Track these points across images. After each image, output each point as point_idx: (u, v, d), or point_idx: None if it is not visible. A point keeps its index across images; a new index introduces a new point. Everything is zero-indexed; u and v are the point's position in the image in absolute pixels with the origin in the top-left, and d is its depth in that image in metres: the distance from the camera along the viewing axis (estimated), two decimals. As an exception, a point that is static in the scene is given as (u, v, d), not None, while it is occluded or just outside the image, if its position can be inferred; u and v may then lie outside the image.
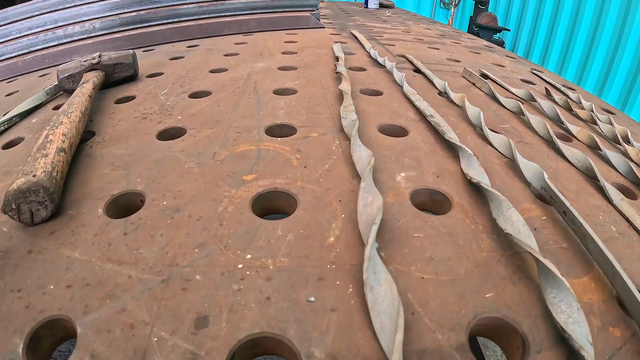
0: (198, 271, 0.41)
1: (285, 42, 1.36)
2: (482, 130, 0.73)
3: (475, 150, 0.67)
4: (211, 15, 1.57)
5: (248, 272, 0.40)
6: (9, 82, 1.27)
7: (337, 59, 1.09)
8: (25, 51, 1.49)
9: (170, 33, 1.51)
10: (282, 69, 1.05)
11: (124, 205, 0.55)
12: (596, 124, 0.90)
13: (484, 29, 4.53)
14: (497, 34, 4.66)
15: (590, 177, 0.65)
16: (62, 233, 0.46)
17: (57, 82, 0.96)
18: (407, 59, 1.20)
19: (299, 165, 0.57)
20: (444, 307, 0.37)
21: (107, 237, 0.46)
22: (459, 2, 5.39)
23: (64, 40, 1.52)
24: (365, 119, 0.74)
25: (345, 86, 0.82)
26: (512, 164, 0.65)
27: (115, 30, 1.54)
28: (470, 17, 4.90)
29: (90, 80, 0.89)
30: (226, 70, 1.05)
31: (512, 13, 5.02)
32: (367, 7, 2.75)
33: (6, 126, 0.80)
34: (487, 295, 0.38)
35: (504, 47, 4.72)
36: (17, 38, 1.48)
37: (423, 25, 2.03)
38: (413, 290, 0.39)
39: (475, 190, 0.56)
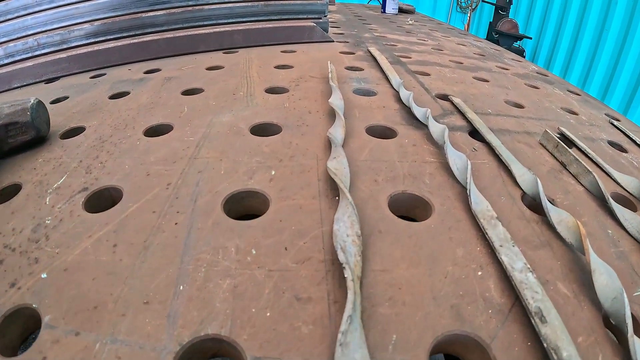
0: None
1: (277, 67, 0.90)
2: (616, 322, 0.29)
3: None
4: (185, 26, 1.10)
5: None
6: None
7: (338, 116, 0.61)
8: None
9: (129, 51, 1.05)
10: (256, 130, 0.60)
11: None
12: None
13: (505, 36, 3.96)
14: (518, 41, 4.09)
15: None
16: None
17: None
18: (454, 105, 0.73)
19: None
20: None
21: None
22: (476, 6, 4.79)
23: (6, 61, 1.08)
24: (405, 308, 0.29)
25: (352, 251, 0.35)
26: None
27: (64, 47, 1.09)
28: (490, 23, 4.32)
29: None
30: (170, 129, 0.61)
31: (533, 20, 4.42)
32: (384, 11, 2.24)
33: None
34: None
35: (524, 56, 4.15)
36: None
37: (455, 39, 1.53)
38: None
39: None
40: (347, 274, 0.30)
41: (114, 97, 0.80)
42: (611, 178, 0.61)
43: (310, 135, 0.56)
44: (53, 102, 0.82)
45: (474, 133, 0.63)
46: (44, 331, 0.32)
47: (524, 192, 0.49)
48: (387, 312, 0.31)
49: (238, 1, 1.13)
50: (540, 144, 0.65)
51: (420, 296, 0.32)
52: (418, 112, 0.62)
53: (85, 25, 1.11)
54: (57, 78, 1.04)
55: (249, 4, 1.13)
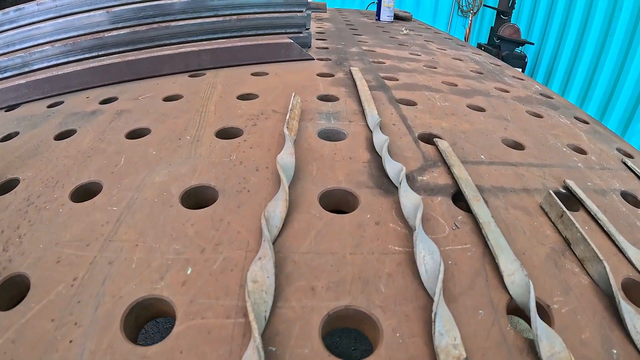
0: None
1: (240, 96, 0.77)
2: None
3: None
4: (150, 45, 0.98)
5: None
6: None
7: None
8: None
9: (89, 75, 0.93)
10: (188, 198, 0.47)
11: None
12: None
13: (506, 41, 3.78)
14: (520, 47, 3.90)
15: None
16: None
17: None
18: (440, 154, 0.59)
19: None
20: None
21: None
22: (477, 10, 4.60)
23: None
24: None
25: None
26: None
27: (25, 70, 0.98)
28: (491, 27, 4.13)
29: None
30: (98, 190, 0.50)
31: (535, 25, 4.23)
32: (379, 19, 2.09)
33: None
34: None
35: (526, 62, 3.96)
36: None
37: (452, 53, 1.39)
38: None
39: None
40: None
41: (59, 137, 0.69)
42: (625, 257, 0.48)
43: (248, 209, 0.43)
44: (3, 140, 0.72)
45: (460, 195, 0.50)
46: None
47: (511, 297, 0.36)
48: None
49: (208, 16, 1.00)
50: (541, 208, 0.51)
51: None
52: (391, 169, 0.49)
53: (47, 47, 0.99)
54: (18, 105, 0.93)
55: (220, 18, 1.00)
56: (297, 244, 0.38)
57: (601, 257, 0.42)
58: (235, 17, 1.01)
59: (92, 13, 1.01)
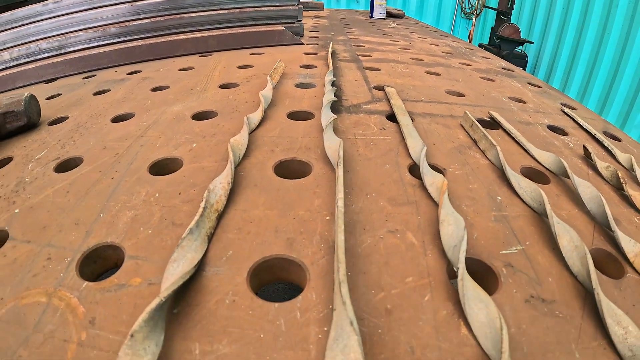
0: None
1: (239, 66, 0.98)
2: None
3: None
4: (167, 32, 1.20)
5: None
6: None
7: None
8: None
9: (116, 55, 1.16)
10: (196, 116, 0.69)
11: None
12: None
13: (506, 41, 3.94)
14: (520, 46, 4.05)
15: None
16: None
17: None
18: (386, 96, 0.78)
19: None
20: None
21: None
22: (480, 12, 4.78)
23: (11, 64, 1.21)
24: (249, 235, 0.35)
25: (218, 192, 0.43)
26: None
27: (61, 52, 1.22)
28: (492, 28, 4.30)
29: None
30: (131, 117, 0.70)
31: (535, 24, 4.38)
32: (372, 16, 2.30)
33: None
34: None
35: (527, 61, 4.10)
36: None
37: (430, 40, 1.58)
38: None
39: None
40: (201, 205, 0.36)
41: (97, 93, 0.90)
42: (529, 154, 0.64)
43: (237, 120, 0.63)
44: (48, 99, 0.93)
45: (393, 117, 0.68)
46: (8, 243, 0.41)
47: (414, 162, 0.53)
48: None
49: (215, 9, 1.22)
50: (461, 125, 0.69)
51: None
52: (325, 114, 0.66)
53: (80, 33, 1.22)
54: (55, 79, 1.16)
55: (225, 11, 1.22)
56: (266, 133, 0.57)
57: (495, 143, 0.58)
58: (237, 10, 1.23)
59: (118, 6, 1.24)
